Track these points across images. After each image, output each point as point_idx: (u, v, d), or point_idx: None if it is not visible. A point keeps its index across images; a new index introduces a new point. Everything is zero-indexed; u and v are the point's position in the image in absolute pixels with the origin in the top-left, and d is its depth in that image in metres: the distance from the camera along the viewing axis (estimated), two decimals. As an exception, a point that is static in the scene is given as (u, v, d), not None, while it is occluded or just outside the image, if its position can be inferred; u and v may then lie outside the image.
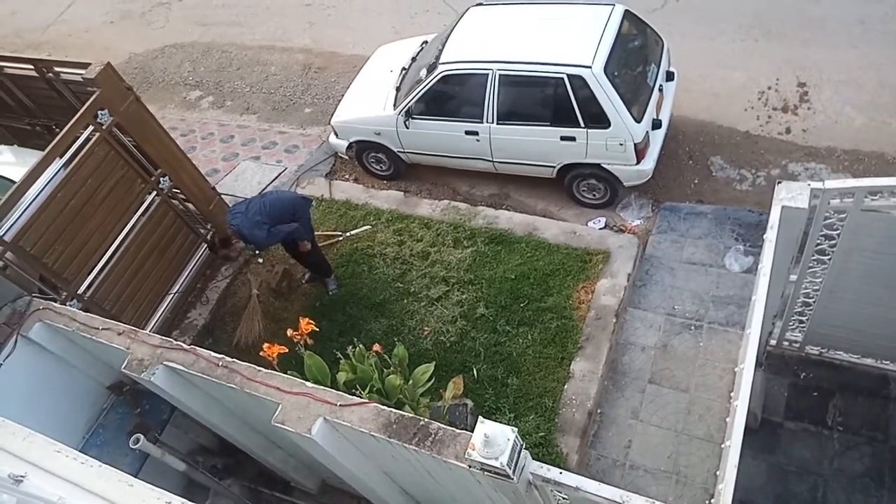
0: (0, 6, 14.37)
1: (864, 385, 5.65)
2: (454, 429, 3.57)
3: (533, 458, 3.32)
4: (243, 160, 9.61)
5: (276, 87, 10.72)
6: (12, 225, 6.01)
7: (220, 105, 10.77)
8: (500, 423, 3.28)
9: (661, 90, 7.35)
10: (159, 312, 7.48)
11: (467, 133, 7.57)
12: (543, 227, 7.56)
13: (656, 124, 7.19)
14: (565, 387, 6.29)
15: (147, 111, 6.96)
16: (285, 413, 3.95)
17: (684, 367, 6.27)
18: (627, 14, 7.25)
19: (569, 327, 6.65)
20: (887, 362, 5.57)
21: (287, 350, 5.18)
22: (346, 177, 9.02)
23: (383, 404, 3.90)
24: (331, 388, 4.31)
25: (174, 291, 7.65)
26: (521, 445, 3.25)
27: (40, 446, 3.05)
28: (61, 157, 6.32)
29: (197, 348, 4.50)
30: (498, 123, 7.35)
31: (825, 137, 7.76)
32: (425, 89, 7.52)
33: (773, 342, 5.79)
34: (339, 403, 3.90)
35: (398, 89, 8.08)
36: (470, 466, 3.32)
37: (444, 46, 7.57)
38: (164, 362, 4.43)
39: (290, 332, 5.33)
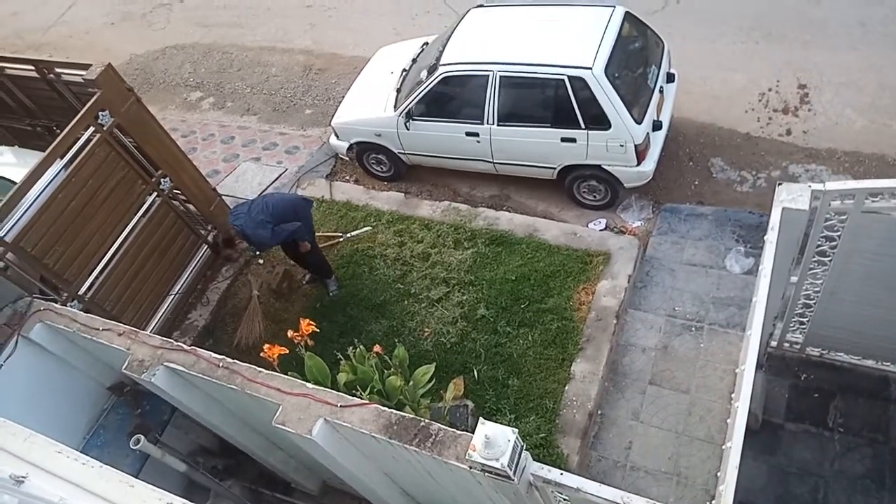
0: (1, 7, 14.40)
1: (864, 386, 5.64)
2: (455, 430, 3.57)
3: (534, 460, 3.31)
4: (244, 161, 9.61)
5: (276, 88, 10.73)
6: (13, 226, 6.02)
7: (221, 106, 10.78)
8: (501, 424, 3.28)
9: (661, 92, 7.36)
10: (160, 313, 7.48)
11: (468, 134, 7.58)
12: (544, 229, 7.56)
13: (657, 126, 7.20)
14: (566, 388, 6.28)
15: (148, 112, 6.96)
16: (286, 414, 3.95)
17: (685, 368, 6.27)
18: (628, 16, 7.25)
19: (569, 328, 6.65)
20: (888, 364, 5.57)
21: (287, 351, 5.18)
22: (347, 178, 9.02)
23: (384, 405, 3.90)
24: (331, 389, 4.30)
25: (175, 292, 7.65)
26: (522, 446, 3.25)
27: (41, 447, 3.05)
28: (62, 158, 6.32)
29: (197, 349, 4.50)
30: (498, 125, 7.36)
31: (826, 139, 7.76)
32: (426, 91, 7.52)
33: (773, 344, 5.79)
34: (339, 404, 3.90)
35: (399, 91, 8.08)
36: (471, 467, 3.32)
37: (444, 48, 7.58)
38: (165, 363, 4.44)
39: (290, 333, 5.33)
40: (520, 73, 7.09)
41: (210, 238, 8.01)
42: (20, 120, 8.17)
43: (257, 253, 7.28)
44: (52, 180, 6.25)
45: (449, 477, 3.74)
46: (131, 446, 4.98)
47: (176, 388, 4.60)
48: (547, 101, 7.12)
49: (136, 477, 3.42)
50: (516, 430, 3.23)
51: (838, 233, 4.46)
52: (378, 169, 8.74)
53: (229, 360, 4.32)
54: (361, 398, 4.43)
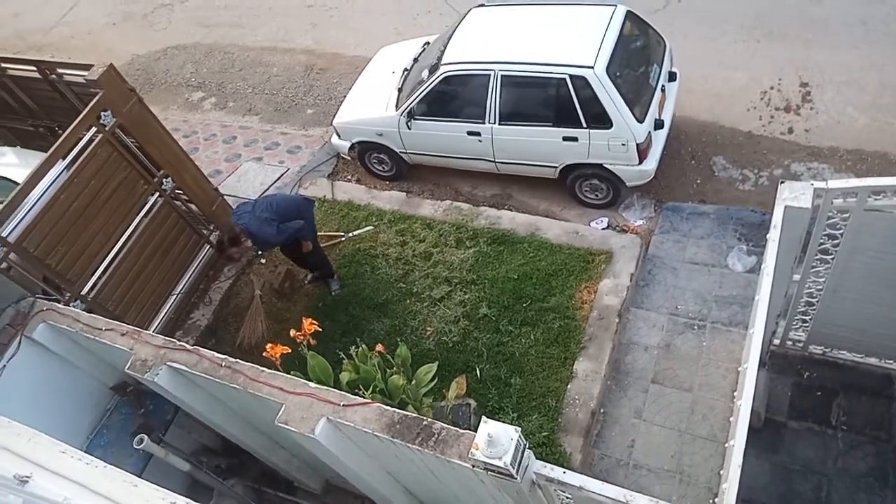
0: (2, 8, 14.42)
1: (867, 384, 5.64)
2: (457, 429, 3.58)
3: (536, 458, 3.32)
4: (246, 161, 9.62)
5: (278, 88, 10.73)
6: (16, 226, 6.03)
7: (223, 106, 10.79)
8: (504, 422, 3.28)
9: (663, 90, 7.35)
10: (162, 313, 7.49)
11: (469, 134, 7.58)
12: (546, 228, 7.56)
13: (658, 124, 7.19)
14: (568, 386, 6.29)
15: (150, 112, 6.97)
16: (288, 413, 3.95)
17: (687, 366, 6.27)
18: (629, 15, 7.24)
19: (571, 327, 6.65)
20: (891, 362, 5.56)
21: (290, 350, 5.19)
22: (349, 177, 9.02)
23: (386, 404, 3.91)
24: (334, 388, 4.31)
25: (177, 292, 7.66)
26: (525, 445, 3.25)
27: (45, 447, 3.06)
28: (64, 158, 6.33)
29: (200, 349, 4.51)
30: (500, 124, 7.36)
31: (828, 137, 7.75)
32: (427, 90, 7.52)
33: (776, 342, 5.79)
34: (342, 403, 3.91)
35: (400, 90, 8.09)
36: (473, 466, 3.32)
37: (446, 47, 7.58)
38: (168, 363, 4.44)
39: (293, 332, 5.34)
40: (521, 72, 7.09)
41: (214, 237, 8.01)
42: (22, 121, 8.18)
43: (259, 252, 7.29)
44: (54, 181, 6.27)
45: (452, 476, 3.74)
46: (135, 446, 4.99)
47: (179, 388, 4.61)
48: (549, 100, 7.12)
49: (140, 476, 3.43)
50: (519, 429, 3.24)
51: (841, 231, 4.45)
52: (380, 168, 8.75)
53: (232, 359, 4.33)
54: (364, 397, 4.44)
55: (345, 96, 8.86)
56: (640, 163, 7.10)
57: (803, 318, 5.45)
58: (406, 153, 8.30)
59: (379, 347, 5.41)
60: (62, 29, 13.46)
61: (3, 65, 7.55)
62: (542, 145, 7.34)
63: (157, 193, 7.19)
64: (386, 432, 3.69)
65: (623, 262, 7.04)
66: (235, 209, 6.94)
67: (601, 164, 7.26)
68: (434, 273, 7.39)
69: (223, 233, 6.56)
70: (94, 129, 6.44)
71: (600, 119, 6.86)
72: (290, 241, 6.89)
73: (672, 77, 7.63)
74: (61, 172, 6.33)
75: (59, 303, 5.42)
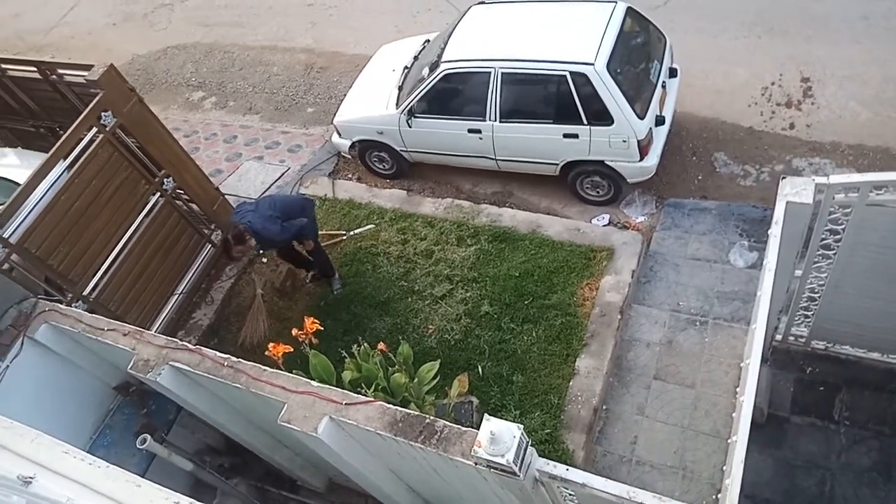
0: (3, 9, 14.42)
1: (870, 379, 5.63)
2: (460, 426, 3.58)
3: (539, 455, 3.32)
4: (246, 160, 9.62)
5: (278, 87, 10.73)
6: (17, 227, 6.04)
7: (223, 106, 10.79)
8: (506, 420, 3.28)
9: (664, 87, 7.34)
10: (164, 313, 7.50)
11: (470, 131, 7.57)
12: (547, 225, 7.56)
13: (659, 121, 7.18)
14: (570, 383, 6.28)
15: (150, 112, 6.97)
16: (291, 412, 3.96)
17: (690, 362, 6.27)
18: (630, 11, 7.23)
19: (573, 324, 6.65)
20: (894, 356, 5.55)
21: (292, 349, 5.19)
22: (350, 176, 9.02)
23: (389, 402, 3.91)
24: (336, 386, 4.31)
25: (179, 292, 7.67)
26: (527, 442, 3.25)
27: (48, 448, 3.06)
28: (65, 159, 6.34)
29: (202, 348, 4.51)
30: (501, 121, 7.35)
31: (829, 132, 7.74)
32: (427, 88, 7.52)
33: (778, 337, 5.78)
34: (344, 402, 3.91)
35: (400, 88, 8.08)
36: (476, 464, 3.32)
37: (446, 45, 7.57)
38: (170, 363, 4.45)
39: (294, 331, 5.34)
40: (522, 69, 7.08)
41: (217, 237, 8.01)
42: (23, 121, 8.19)
43: (261, 252, 7.29)
44: (55, 181, 6.27)
45: (454, 473, 3.74)
46: (138, 446, 5.00)
47: (181, 388, 4.61)
48: (549, 97, 7.11)
49: (143, 476, 3.44)
50: (521, 426, 3.24)
51: (842, 226, 4.45)
52: (380, 167, 8.75)
53: (234, 358, 4.33)
54: (366, 396, 4.44)
55: (345, 95, 8.85)
56: (642, 159, 7.09)
57: (805, 313, 5.45)
58: (407, 151, 8.29)
59: (381, 346, 5.40)
60: (62, 29, 13.46)
61: (4, 66, 7.56)
62: (543, 142, 7.33)
63: (159, 193, 7.19)
64: (388, 430, 3.69)
65: (624, 258, 7.03)
66: (236, 209, 6.95)
67: (602, 161, 7.25)
68: (435, 271, 7.39)
69: (228, 232, 6.58)
70: (94, 130, 6.45)
71: (601, 116, 6.85)
72: (294, 239, 6.89)
73: (673, 73, 7.62)
74: (62, 173, 6.34)
75: (61, 303, 5.42)
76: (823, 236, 4.58)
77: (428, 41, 8.57)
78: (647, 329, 6.59)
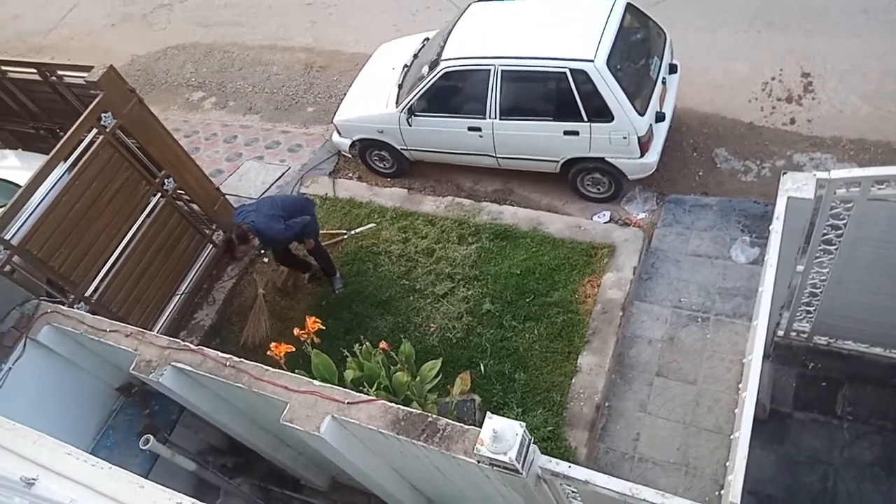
0: (3, 10, 14.43)
1: (872, 374, 5.62)
2: (462, 424, 3.58)
3: (541, 453, 3.32)
4: (247, 160, 9.62)
5: (278, 86, 10.72)
6: (19, 229, 6.05)
7: (223, 105, 10.79)
8: (508, 418, 3.28)
9: (664, 83, 7.33)
10: (166, 314, 7.50)
11: (470, 129, 7.57)
12: (548, 222, 7.56)
13: (660, 117, 7.17)
14: (573, 381, 6.28)
15: (150, 113, 6.97)
16: (294, 411, 3.96)
17: (692, 359, 6.27)
18: (629, 7, 7.22)
19: (575, 321, 6.64)
20: (896, 351, 5.56)
21: (294, 349, 5.19)
22: (350, 175, 9.02)
23: (391, 401, 3.91)
24: (338, 386, 4.31)
25: (181, 292, 7.67)
26: (530, 440, 3.25)
27: (51, 449, 3.07)
28: (66, 160, 6.34)
29: (204, 349, 4.51)
30: (501, 119, 7.34)
31: (830, 127, 7.73)
32: (427, 86, 7.51)
33: (780, 333, 5.78)
34: (346, 401, 3.91)
35: (400, 87, 8.07)
36: (479, 462, 3.32)
37: (445, 43, 7.56)
38: (172, 363, 4.45)
39: (296, 330, 5.34)
40: (521, 66, 7.07)
41: (219, 236, 8.01)
42: (23, 123, 8.19)
43: (262, 251, 7.29)
44: (56, 183, 6.27)
45: (457, 471, 3.74)
46: (141, 446, 5.00)
47: (184, 388, 4.62)
48: (549, 94, 7.11)
49: (147, 477, 3.45)
50: (524, 424, 3.24)
51: (844, 221, 4.44)
52: (381, 165, 8.74)
53: (236, 358, 4.33)
54: (368, 394, 4.44)
55: (345, 94, 8.85)
56: (642, 156, 7.08)
57: (807, 308, 5.44)
58: (407, 150, 8.29)
59: (383, 345, 5.40)
60: (62, 30, 13.46)
61: (4, 68, 7.56)
62: (544, 140, 7.32)
63: (159, 194, 7.19)
64: (391, 429, 3.69)
65: (626, 255, 7.03)
66: (238, 210, 6.94)
67: (603, 158, 7.24)
68: (437, 269, 7.39)
69: (231, 232, 6.59)
70: (95, 131, 6.44)
71: (601, 112, 6.84)
72: (297, 237, 6.89)
73: (673, 69, 7.60)
74: (63, 175, 6.34)
75: (63, 305, 5.43)
76: (825, 231, 4.58)
77: (427, 39, 8.56)
78: (649, 326, 6.59)
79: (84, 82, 6.49)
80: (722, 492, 3.30)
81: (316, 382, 4.09)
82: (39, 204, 6.17)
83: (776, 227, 4.18)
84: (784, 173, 4.30)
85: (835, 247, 4.67)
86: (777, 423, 5.59)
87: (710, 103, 8.32)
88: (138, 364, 4.53)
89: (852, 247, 4.61)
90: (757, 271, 6.28)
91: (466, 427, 3.54)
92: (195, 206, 7.83)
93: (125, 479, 2.89)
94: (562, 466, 3.23)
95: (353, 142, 8.52)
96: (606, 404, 6.20)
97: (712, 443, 5.72)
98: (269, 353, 5.13)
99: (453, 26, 7.76)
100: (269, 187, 8.97)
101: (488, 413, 3.36)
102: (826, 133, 7.69)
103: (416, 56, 8.37)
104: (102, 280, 6.72)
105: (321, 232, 7.49)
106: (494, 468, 3.27)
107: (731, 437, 3.45)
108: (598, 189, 7.72)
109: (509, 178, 8.27)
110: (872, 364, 5.64)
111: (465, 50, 7.39)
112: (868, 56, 8.13)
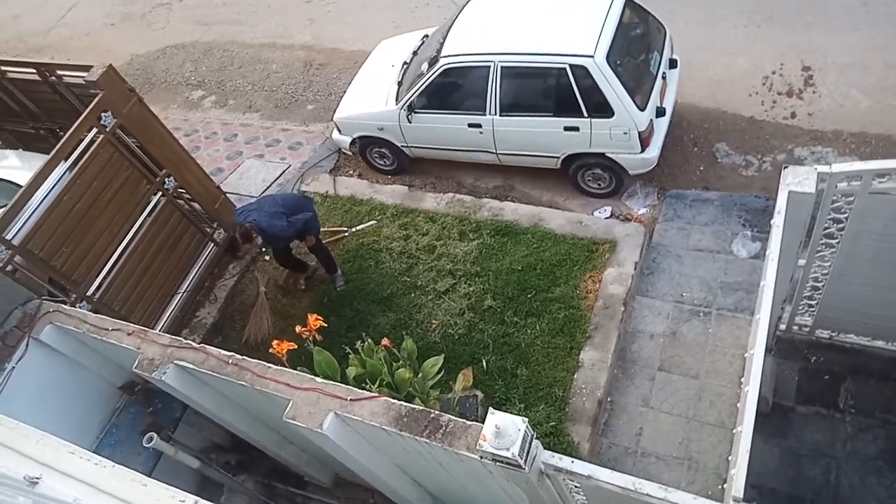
0: (2, 10, 14.43)
1: (875, 367, 5.62)
2: (465, 420, 3.58)
3: (544, 448, 3.32)
4: (247, 158, 9.62)
5: (278, 84, 10.72)
6: (20, 229, 6.05)
7: (223, 104, 10.78)
8: (511, 413, 3.28)
9: (664, 78, 7.32)
10: (168, 312, 7.51)
11: (470, 126, 7.56)
12: (549, 218, 7.55)
13: (660, 112, 7.16)
14: (575, 376, 6.29)
15: (150, 112, 6.97)
16: (296, 409, 3.97)
17: (694, 353, 6.27)
18: (629, 2, 7.20)
19: (577, 317, 6.64)
20: (898, 345, 5.55)
21: (296, 346, 5.20)
22: (350, 172, 9.02)
23: (393, 398, 3.92)
24: (341, 383, 4.32)
25: (182, 291, 7.67)
26: (532, 435, 3.26)
27: (54, 448, 3.06)
28: (66, 160, 6.34)
29: (206, 347, 4.52)
30: (501, 115, 7.34)
31: (831, 121, 7.71)
32: (427, 83, 7.50)
33: (782, 327, 5.78)
34: (349, 398, 3.91)
35: (400, 84, 8.07)
36: (481, 458, 3.33)
37: (445, 40, 7.55)
38: (175, 361, 4.46)
39: (298, 328, 5.34)
40: (521, 62, 7.07)
41: (221, 235, 8.01)
42: (24, 123, 8.19)
43: (264, 249, 7.29)
44: (57, 183, 6.28)
45: (460, 467, 3.75)
46: (144, 444, 5.01)
47: (186, 386, 4.63)
48: (549, 90, 7.10)
49: (150, 475, 3.45)
50: (526, 420, 3.24)
51: (845, 215, 4.44)
52: (381, 163, 8.74)
53: (238, 356, 4.34)
54: (371, 391, 4.44)
55: (345, 91, 8.84)
56: (643, 151, 7.07)
57: (809, 302, 5.44)
58: (407, 147, 8.28)
59: (385, 341, 5.41)
60: (61, 30, 13.45)
61: (4, 68, 7.56)
62: (544, 135, 7.32)
63: (160, 193, 7.19)
64: (393, 426, 3.69)
65: (627, 250, 7.03)
66: (239, 210, 6.94)
67: (603, 154, 7.24)
68: (438, 266, 7.39)
69: (234, 231, 6.60)
70: (95, 131, 6.44)
71: (601, 108, 6.83)
72: (299, 234, 6.88)
73: (673, 64, 7.59)
74: (64, 174, 6.34)
75: (65, 304, 5.44)
76: (826, 225, 4.57)
77: (426, 36, 8.55)
78: (651, 321, 6.59)
79: (84, 82, 6.48)
80: (725, 486, 3.31)
81: (318, 379, 4.10)
82: (40, 204, 6.17)
83: (777, 221, 4.18)
84: (785, 167, 4.29)
85: (836, 240, 4.66)
86: (780, 416, 5.59)
87: (711, 98, 8.31)
88: (141, 362, 4.53)
89: (854, 240, 4.60)
90: (758, 266, 6.28)
91: (469, 423, 3.55)
92: (196, 205, 7.83)
93: (128, 478, 2.89)
94: (564, 461, 3.23)
95: (354, 139, 8.52)
96: (609, 399, 6.20)
97: (715, 437, 5.72)
98: (271, 350, 5.14)
99: (452, 23, 7.75)
100: (270, 185, 8.98)
101: (491, 409, 3.37)
102: (827, 127, 7.68)
103: (415, 53, 8.36)
104: (104, 279, 6.73)
105: (322, 229, 7.49)
106: (497, 464, 3.27)
107: (734, 431, 3.45)
108: (599, 184, 7.71)
109: (510, 174, 8.27)
110: (875, 357, 5.64)
111: (465, 46, 7.38)
112: (869, 49, 8.11)
